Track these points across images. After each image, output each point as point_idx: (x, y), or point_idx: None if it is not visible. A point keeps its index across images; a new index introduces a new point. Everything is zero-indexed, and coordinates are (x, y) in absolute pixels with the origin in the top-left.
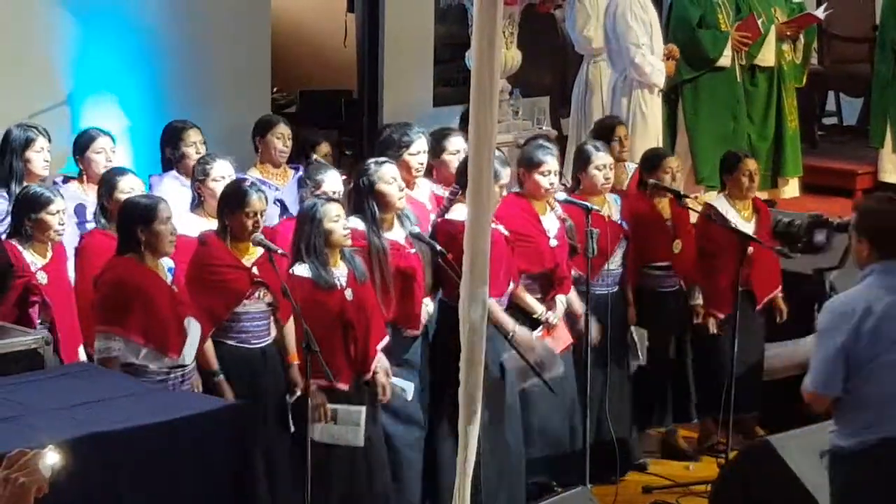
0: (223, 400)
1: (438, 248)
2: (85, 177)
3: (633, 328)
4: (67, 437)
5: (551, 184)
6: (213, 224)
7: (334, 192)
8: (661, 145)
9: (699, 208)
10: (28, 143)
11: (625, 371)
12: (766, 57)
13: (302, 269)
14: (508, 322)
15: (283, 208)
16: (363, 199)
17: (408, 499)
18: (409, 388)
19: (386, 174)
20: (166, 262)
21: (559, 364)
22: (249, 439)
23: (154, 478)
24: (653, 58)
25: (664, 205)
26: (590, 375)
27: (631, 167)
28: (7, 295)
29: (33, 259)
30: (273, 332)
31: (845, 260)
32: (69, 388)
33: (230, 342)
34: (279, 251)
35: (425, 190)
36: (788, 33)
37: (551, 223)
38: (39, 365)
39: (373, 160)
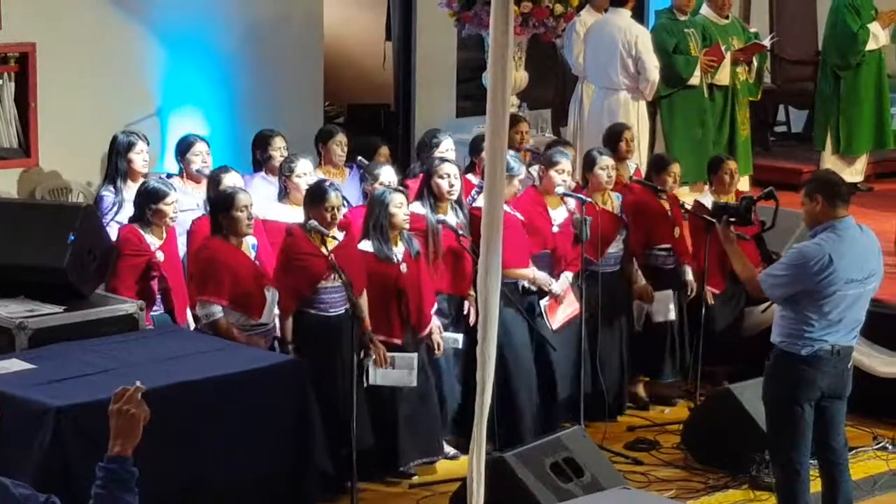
0: (285, 356)
1: (460, 232)
2: (185, 174)
3: (657, 294)
4: (158, 385)
5: (563, 181)
6: (297, 211)
7: (390, 183)
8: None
9: (688, 202)
10: (130, 146)
11: (618, 333)
12: (722, 77)
13: (366, 245)
14: (529, 272)
15: (346, 202)
16: (423, 187)
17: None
18: (459, 338)
19: (442, 170)
20: (250, 241)
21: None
22: (306, 387)
23: (229, 417)
24: None
25: (665, 199)
26: (584, 337)
27: (632, 165)
28: (124, 271)
29: (152, 240)
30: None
31: (775, 221)
32: (159, 346)
33: (312, 311)
34: (329, 234)
35: None
36: (742, 58)
37: (559, 214)
38: (134, 327)
39: (438, 157)
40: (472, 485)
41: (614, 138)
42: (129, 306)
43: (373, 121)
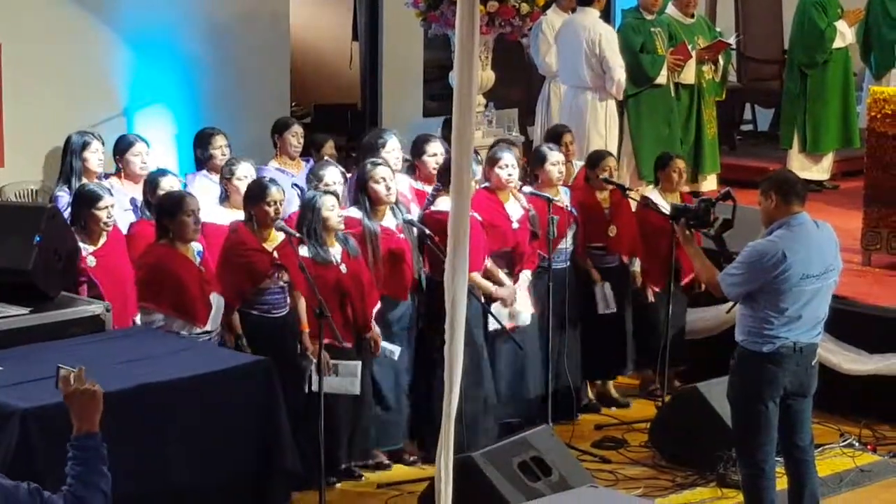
0: (252, 356)
1: (427, 231)
2: (122, 174)
3: (599, 284)
4: (127, 386)
5: (509, 175)
6: (237, 214)
7: (335, 183)
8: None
9: (638, 198)
10: (84, 145)
11: (577, 331)
12: (687, 76)
13: (303, 250)
14: (490, 286)
15: (302, 192)
16: (359, 193)
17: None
18: (396, 351)
19: (377, 174)
20: (195, 247)
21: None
22: (274, 387)
23: (197, 417)
24: None
25: (605, 196)
26: (550, 335)
27: (577, 165)
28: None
29: (85, 245)
30: (290, 305)
31: (733, 220)
32: (124, 347)
33: (255, 312)
34: (297, 235)
35: (404, 182)
36: (707, 57)
37: (514, 210)
38: (101, 328)
39: (369, 161)
40: (440, 484)
41: (554, 141)
42: (95, 307)
43: (339, 121)
